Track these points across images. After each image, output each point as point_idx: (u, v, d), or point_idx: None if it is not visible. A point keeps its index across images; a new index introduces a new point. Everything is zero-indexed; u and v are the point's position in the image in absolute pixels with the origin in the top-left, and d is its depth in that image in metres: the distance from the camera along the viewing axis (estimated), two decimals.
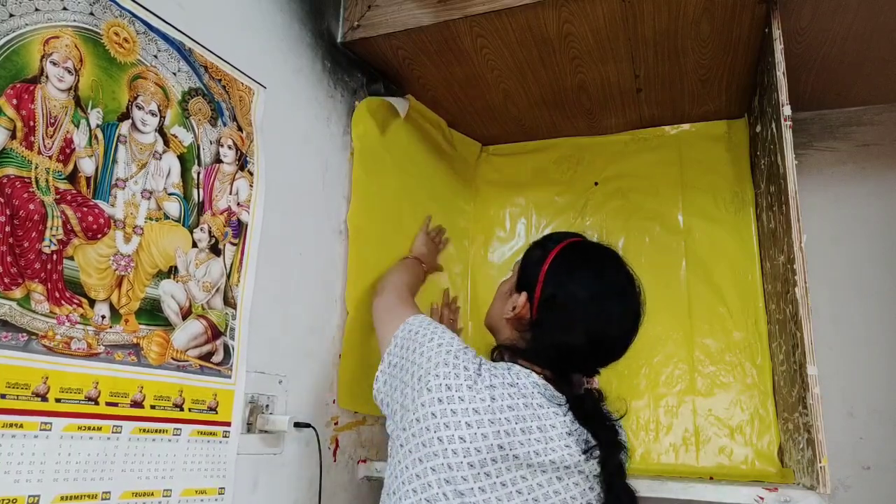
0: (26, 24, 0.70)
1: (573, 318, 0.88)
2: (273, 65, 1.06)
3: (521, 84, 1.38)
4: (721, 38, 1.18)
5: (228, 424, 0.90)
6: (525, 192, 1.65)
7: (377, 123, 1.32)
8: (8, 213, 0.67)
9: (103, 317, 0.75)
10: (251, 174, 0.99)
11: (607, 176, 1.57)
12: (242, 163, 0.98)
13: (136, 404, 0.78)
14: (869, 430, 1.28)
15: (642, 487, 0.87)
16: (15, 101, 0.68)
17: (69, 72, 0.74)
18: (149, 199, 0.83)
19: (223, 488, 0.88)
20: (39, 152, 0.70)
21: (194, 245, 0.89)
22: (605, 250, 0.96)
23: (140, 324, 0.80)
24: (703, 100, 1.42)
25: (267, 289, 1.00)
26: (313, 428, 1.04)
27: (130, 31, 0.82)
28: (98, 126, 0.77)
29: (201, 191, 0.91)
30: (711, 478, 1.23)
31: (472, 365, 0.85)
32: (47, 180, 0.71)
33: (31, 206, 0.69)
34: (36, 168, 0.70)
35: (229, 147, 0.96)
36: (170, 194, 0.86)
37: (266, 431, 0.97)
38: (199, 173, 0.91)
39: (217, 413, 0.89)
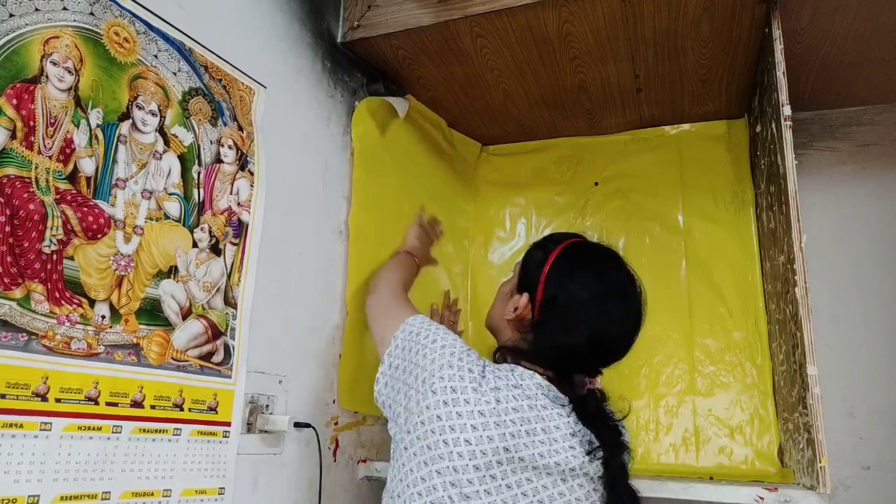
0: (26, 24, 0.70)
1: (574, 318, 0.88)
2: (273, 65, 1.06)
3: (521, 84, 1.38)
4: (721, 38, 1.18)
5: (228, 424, 0.90)
6: (525, 192, 1.65)
7: (377, 123, 1.32)
8: (8, 213, 0.67)
9: (103, 317, 0.75)
10: (252, 174, 0.99)
11: (607, 176, 1.57)
12: (243, 163, 0.98)
13: (136, 404, 0.78)
14: (869, 430, 1.28)
15: (642, 487, 0.87)
16: (15, 101, 0.68)
17: (69, 72, 0.74)
18: (149, 198, 0.83)
19: (223, 488, 0.88)
20: (39, 152, 0.70)
21: (195, 245, 0.89)
22: (606, 251, 0.96)
23: (140, 324, 0.80)
24: (703, 100, 1.42)
25: (267, 289, 1.00)
26: (313, 428, 1.04)
27: (130, 31, 0.82)
28: (98, 126, 0.77)
29: (202, 191, 0.91)
30: (711, 478, 1.23)
31: (476, 367, 0.84)
32: (47, 180, 0.71)
33: (31, 206, 0.69)
34: (36, 168, 0.70)
35: (230, 147, 0.96)
36: (170, 194, 0.86)
37: (266, 431, 0.97)
38: (199, 173, 0.91)
39: (217, 413, 0.89)
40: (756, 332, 1.34)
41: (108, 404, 0.75)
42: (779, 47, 1.06)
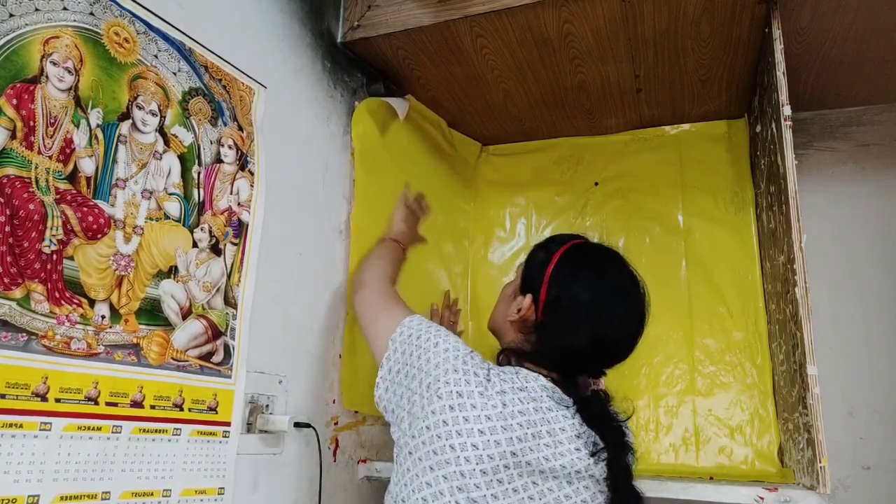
0: (26, 24, 0.70)
1: (577, 319, 0.88)
2: (273, 65, 1.06)
3: (521, 84, 1.38)
4: (721, 38, 1.18)
5: (228, 424, 0.90)
6: (525, 192, 1.65)
7: (377, 124, 1.32)
8: (8, 213, 0.67)
9: (103, 317, 0.75)
10: (252, 174, 0.99)
11: (607, 176, 1.57)
12: (243, 163, 0.98)
13: (136, 404, 0.78)
14: (869, 430, 1.28)
15: (642, 487, 0.87)
16: (15, 101, 0.68)
17: (69, 72, 0.74)
18: (149, 198, 0.83)
19: (223, 488, 0.88)
20: (39, 152, 0.70)
21: (195, 245, 0.89)
22: (609, 252, 0.96)
23: (140, 324, 0.80)
24: (703, 100, 1.42)
25: (267, 289, 1.00)
26: (313, 428, 1.04)
27: (130, 31, 0.82)
28: (98, 126, 0.77)
29: (202, 191, 0.91)
30: (711, 478, 1.23)
31: (481, 371, 0.84)
32: (47, 180, 0.71)
33: (31, 206, 0.69)
34: (36, 168, 0.70)
35: (230, 147, 0.96)
36: (170, 194, 0.86)
37: (266, 431, 0.97)
38: (199, 173, 0.91)
39: (217, 413, 0.89)
40: (756, 332, 1.34)
41: (108, 404, 0.75)
42: (779, 47, 1.06)
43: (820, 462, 0.90)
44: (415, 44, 1.24)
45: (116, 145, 0.79)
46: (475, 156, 1.69)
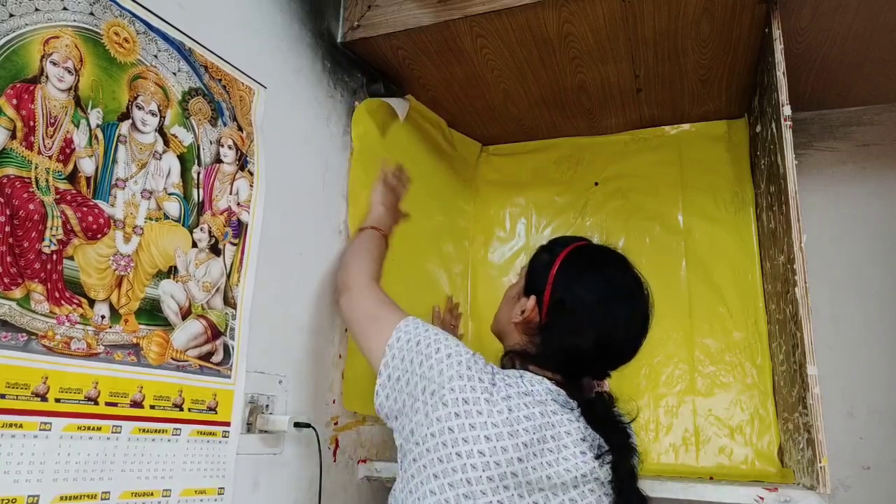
0: (26, 24, 0.70)
1: (581, 321, 0.88)
2: (273, 65, 1.06)
3: (521, 84, 1.38)
4: (721, 38, 1.18)
5: (228, 424, 0.90)
6: (525, 192, 1.65)
7: (377, 124, 1.32)
8: (8, 213, 0.67)
9: (103, 317, 0.75)
10: (251, 174, 0.99)
11: (607, 176, 1.57)
12: (242, 163, 0.98)
13: (136, 404, 0.78)
14: (869, 430, 1.28)
15: (643, 487, 0.87)
16: (15, 101, 0.68)
17: (69, 72, 0.74)
18: (149, 199, 0.83)
19: (223, 488, 0.88)
20: (39, 152, 0.70)
21: (194, 245, 0.89)
22: (613, 254, 0.96)
23: (140, 324, 0.80)
24: (703, 100, 1.42)
25: (267, 289, 1.00)
26: (313, 428, 1.04)
27: (130, 31, 0.82)
28: (98, 126, 0.77)
29: (201, 191, 0.91)
30: (711, 478, 1.23)
31: (486, 376, 0.83)
32: (47, 180, 0.71)
33: (31, 206, 0.69)
34: (36, 168, 0.70)
35: (229, 147, 0.96)
36: (170, 194, 0.86)
37: (266, 431, 0.97)
38: (199, 173, 0.91)
39: (217, 413, 0.89)
40: (756, 332, 1.35)
41: (108, 404, 0.75)
42: (779, 47, 1.06)
43: (820, 462, 0.90)
44: (415, 44, 1.24)
45: (116, 145, 0.79)
46: (475, 156, 1.69)
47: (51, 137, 0.72)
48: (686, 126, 1.52)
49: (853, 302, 1.34)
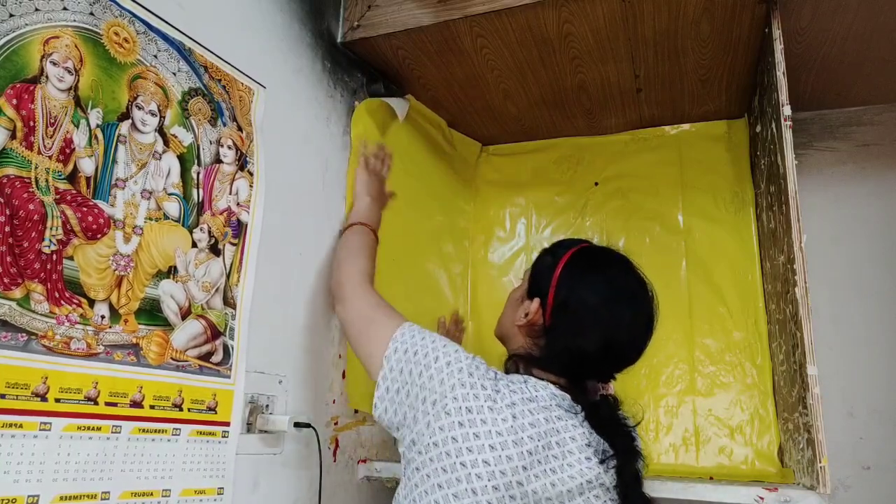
0: (26, 24, 0.70)
1: (585, 322, 0.88)
2: (273, 65, 1.06)
3: (521, 84, 1.38)
4: (721, 38, 1.18)
5: (228, 424, 0.90)
6: (525, 192, 1.65)
7: (377, 124, 1.32)
8: (8, 213, 0.67)
9: (103, 317, 0.75)
10: (251, 174, 0.99)
11: (607, 176, 1.57)
12: (242, 163, 0.98)
13: (136, 404, 0.78)
14: (869, 430, 1.28)
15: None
16: (15, 101, 0.68)
17: (69, 72, 0.74)
18: (148, 199, 0.83)
19: (222, 488, 0.88)
20: (39, 152, 0.70)
21: (194, 245, 0.89)
22: (616, 255, 0.96)
23: (139, 324, 0.80)
24: (703, 100, 1.42)
25: (267, 289, 1.00)
26: (313, 428, 1.04)
27: (130, 31, 0.82)
28: (98, 126, 0.77)
29: (201, 191, 0.91)
30: (711, 478, 1.23)
31: (488, 382, 0.82)
32: (47, 180, 0.71)
33: (31, 206, 0.69)
34: (36, 168, 0.70)
35: (229, 147, 0.96)
36: (169, 194, 0.86)
37: (266, 431, 0.97)
38: (198, 173, 0.91)
39: (216, 413, 0.89)
40: (756, 332, 1.34)
41: (108, 404, 0.75)
42: (779, 47, 1.06)
43: (820, 462, 0.90)
44: (415, 44, 1.24)
45: (116, 145, 0.79)
46: (475, 156, 1.69)
47: (51, 137, 0.72)
48: (686, 126, 1.52)
49: (853, 302, 1.34)
